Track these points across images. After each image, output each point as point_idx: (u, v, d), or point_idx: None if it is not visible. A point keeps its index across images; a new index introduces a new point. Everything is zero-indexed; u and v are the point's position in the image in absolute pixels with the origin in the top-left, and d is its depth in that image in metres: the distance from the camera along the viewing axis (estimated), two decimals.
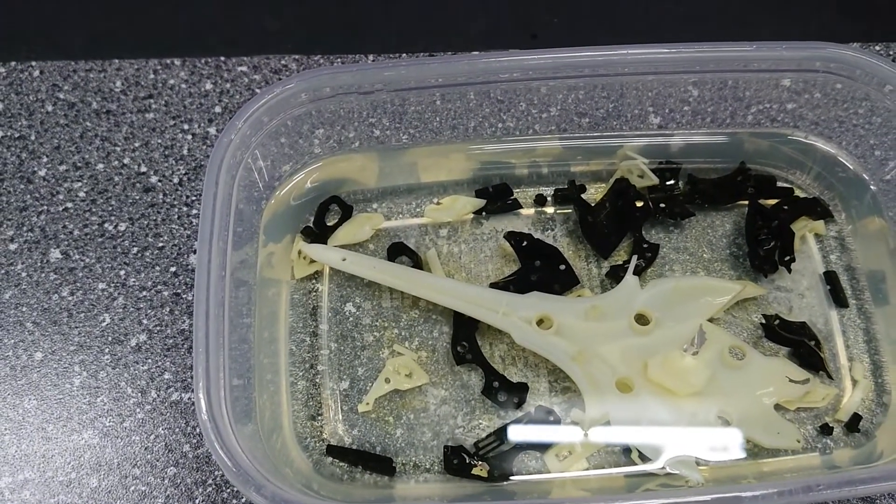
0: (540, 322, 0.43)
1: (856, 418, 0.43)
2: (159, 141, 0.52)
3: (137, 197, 0.51)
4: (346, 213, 0.48)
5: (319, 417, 0.44)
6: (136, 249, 0.50)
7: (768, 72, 0.45)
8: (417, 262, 0.47)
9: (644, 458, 0.41)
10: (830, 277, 0.47)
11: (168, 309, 0.48)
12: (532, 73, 0.43)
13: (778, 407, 0.42)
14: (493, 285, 0.46)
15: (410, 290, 0.45)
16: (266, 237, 0.46)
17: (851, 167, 0.49)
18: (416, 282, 0.45)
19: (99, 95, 0.54)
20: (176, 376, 0.46)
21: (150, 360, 0.47)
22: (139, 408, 0.46)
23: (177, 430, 0.45)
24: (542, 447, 0.42)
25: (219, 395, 0.37)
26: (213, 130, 0.53)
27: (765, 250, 0.46)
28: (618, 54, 0.43)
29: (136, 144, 0.52)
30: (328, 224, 0.48)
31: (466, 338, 0.45)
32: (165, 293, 0.49)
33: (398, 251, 0.47)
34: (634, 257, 0.46)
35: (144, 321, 0.48)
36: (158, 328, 0.48)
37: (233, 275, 0.41)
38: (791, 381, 0.43)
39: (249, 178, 0.44)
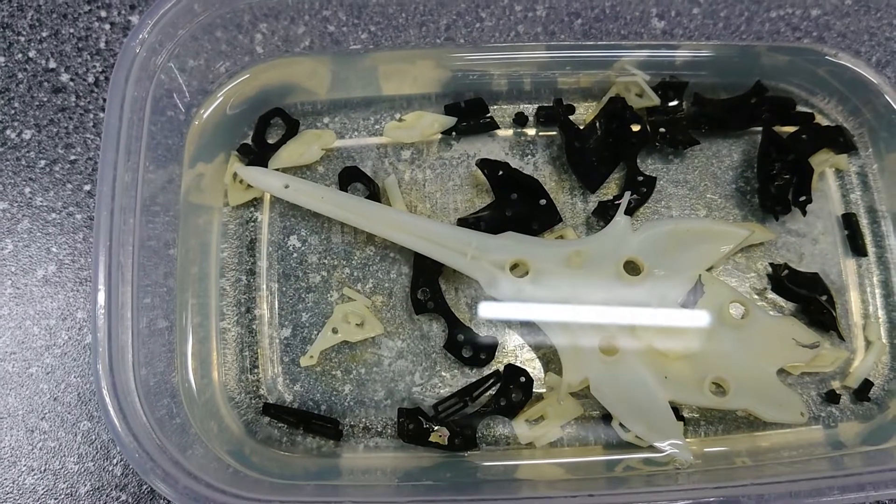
0: (514, 267, 0.39)
1: (866, 385, 0.40)
2: (71, 30, 0.45)
3: (45, 99, 0.44)
4: (292, 129, 0.43)
5: (255, 370, 0.40)
6: (43, 162, 0.44)
7: None
8: (374, 191, 0.42)
9: (626, 429, 0.38)
10: (849, 220, 0.42)
11: (82, 235, 0.43)
12: None
13: (780, 371, 0.39)
14: (462, 221, 0.41)
15: (364, 225, 0.40)
16: (194, 155, 0.41)
17: (884, 91, 0.43)
18: (370, 216, 0.40)
19: None
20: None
21: (60, 296, 0.42)
22: (47, 351, 0.41)
23: (91, 378, 0.41)
24: (512, 411, 0.39)
25: (122, 361, 0.33)
26: (135, 19, 0.46)
27: (777, 187, 0.41)
28: None
29: (44, 34, 0.45)
30: (269, 141, 0.43)
31: (428, 283, 0.40)
32: (78, 216, 0.43)
33: (351, 177, 0.42)
34: (627, 194, 0.41)
35: (54, 249, 0.43)
36: (70, 258, 0.43)
37: (153, 199, 0.37)
38: (798, 344, 0.39)
39: (173, 82, 0.39)
